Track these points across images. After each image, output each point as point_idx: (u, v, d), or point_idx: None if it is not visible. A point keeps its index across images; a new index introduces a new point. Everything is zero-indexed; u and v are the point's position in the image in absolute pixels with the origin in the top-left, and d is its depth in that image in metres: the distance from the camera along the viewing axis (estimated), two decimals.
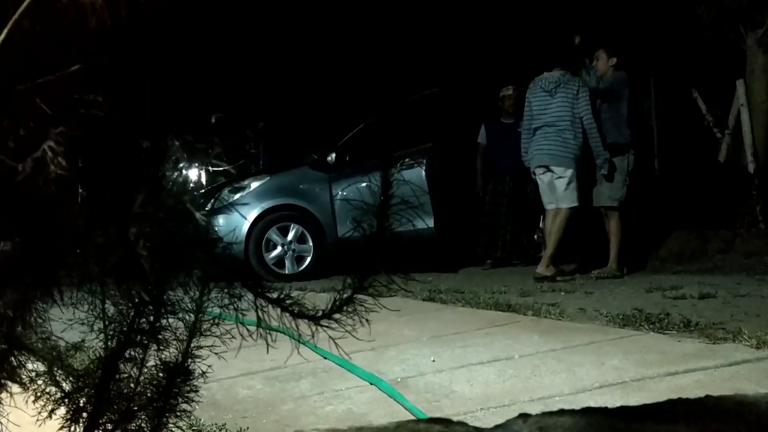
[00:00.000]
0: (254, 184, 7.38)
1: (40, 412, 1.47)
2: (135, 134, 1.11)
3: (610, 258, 6.31)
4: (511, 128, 7.81)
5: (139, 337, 1.37)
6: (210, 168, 1.15)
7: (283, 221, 7.30)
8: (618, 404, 2.16)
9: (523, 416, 1.22)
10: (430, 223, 6.79)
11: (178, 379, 1.43)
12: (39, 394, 1.47)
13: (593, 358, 3.09)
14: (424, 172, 6.89)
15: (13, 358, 1.30)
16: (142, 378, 1.42)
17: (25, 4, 0.95)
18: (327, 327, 1.32)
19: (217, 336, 1.43)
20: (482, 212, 7.79)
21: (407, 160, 6.88)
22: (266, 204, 7.23)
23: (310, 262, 7.27)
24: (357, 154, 7.34)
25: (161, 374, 1.43)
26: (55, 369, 1.46)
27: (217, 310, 1.37)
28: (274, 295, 1.28)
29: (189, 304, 1.38)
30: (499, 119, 7.94)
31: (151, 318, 1.36)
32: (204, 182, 1.29)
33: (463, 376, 2.97)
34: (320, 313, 1.31)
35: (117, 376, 1.39)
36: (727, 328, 3.41)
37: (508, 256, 7.76)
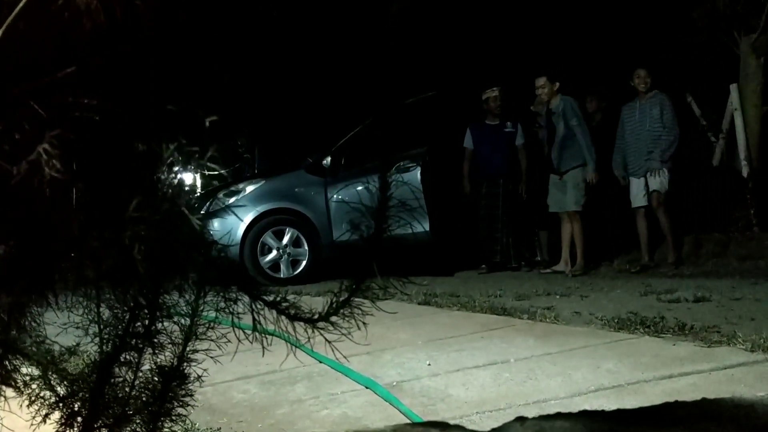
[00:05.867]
0: (249, 188, 7.36)
1: (34, 417, 1.46)
2: (131, 137, 1.11)
3: (578, 256, 6.88)
4: (497, 129, 7.77)
5: (134, 340, 1.37)
6: (205, 172, 1.15)
7: (278, 225, 7.28)
8: (614, 408, 2.17)
9: (520, 420, 1.22)
10: (426, 226, 6.78)
11: (174, 383, 1.43)
12: (33, 398, 1.46)
13: (589, 361, 3.09)
14: (419, 176, 6.88)
15: (7, 362, 1.30)
16: (137, 382, 1.41)
17: (20, 6, 0.94)
18: (323, 330, 1.31)
19: (212, 340, 1.42)
20: (477, 218, 7.75)
21: (402, 163, 6.87)
22: (261, 208, 7.21)
23: (305, 266, 7.26)
24: (352, 157, 7.32)
25: (156, 378, 1.42)
26: (50, 373, 1.46)
27: (212, 314, 1.37)
28: (270, 299, 1.28)
29: (184, 308, 1.37)
30: (483, 122, 7.86)
31: (147, 322, 1.35)
32: (199, 186, 1.29)
33: (459, 380, 2.97)
34: (317, 316, 1.31)
35: (112, 380, 1.39)
36: (722, 332, 3.42)
37: (507, 260, 7.73)
